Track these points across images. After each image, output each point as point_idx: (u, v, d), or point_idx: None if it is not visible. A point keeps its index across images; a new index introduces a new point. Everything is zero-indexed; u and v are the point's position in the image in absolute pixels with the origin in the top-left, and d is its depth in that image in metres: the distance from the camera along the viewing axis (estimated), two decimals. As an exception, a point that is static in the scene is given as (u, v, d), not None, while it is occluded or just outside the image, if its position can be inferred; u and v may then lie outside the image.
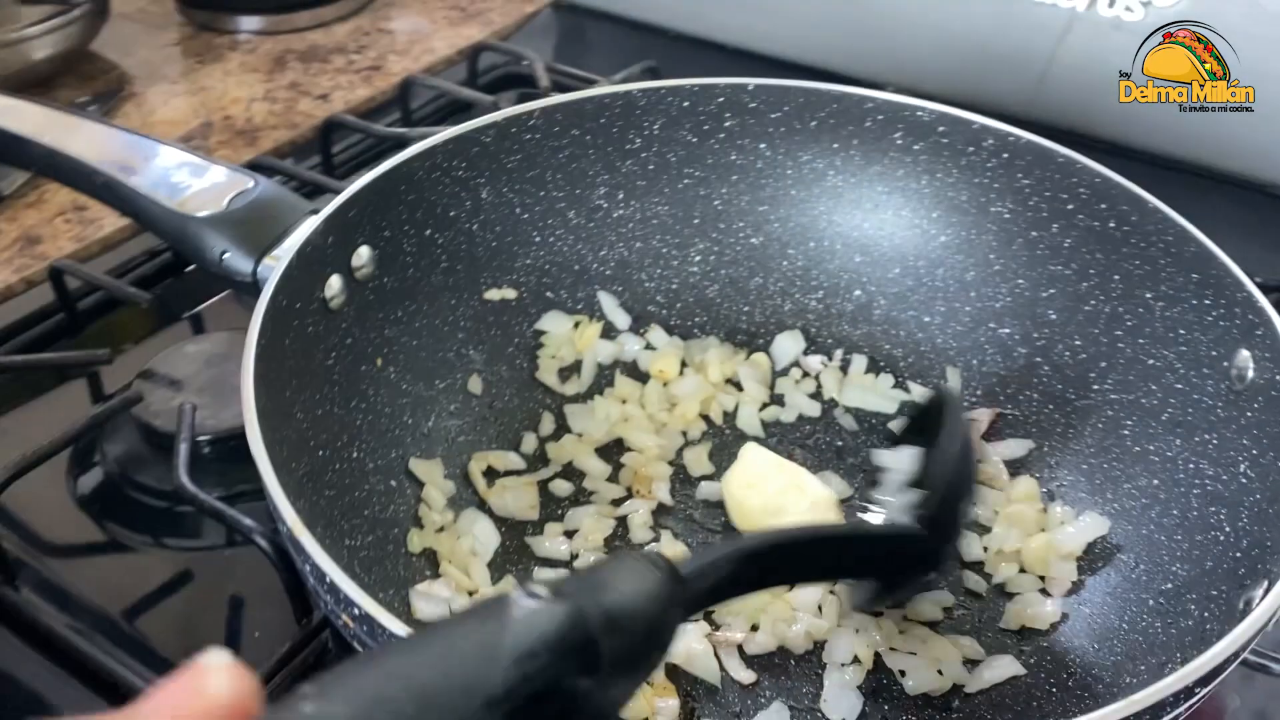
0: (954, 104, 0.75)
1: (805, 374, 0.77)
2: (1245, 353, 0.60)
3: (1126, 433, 0.67)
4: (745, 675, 0.60)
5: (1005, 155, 0.73)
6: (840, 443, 0.74)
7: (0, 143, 0.67)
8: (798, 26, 1.15)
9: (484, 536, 0.66)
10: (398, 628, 0.44)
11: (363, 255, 0.68)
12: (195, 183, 0.66)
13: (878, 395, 0.75)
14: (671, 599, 0.37)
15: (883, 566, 0.56)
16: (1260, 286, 0.61)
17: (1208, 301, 0.64)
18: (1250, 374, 0.60)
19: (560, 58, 1.16)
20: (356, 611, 0.45)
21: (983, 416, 0.73)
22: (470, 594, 0.62)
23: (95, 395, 0.81)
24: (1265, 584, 0.49)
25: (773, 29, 1.16)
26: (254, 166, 0.95)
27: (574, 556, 0.65)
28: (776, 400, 0.76)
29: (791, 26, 1.15)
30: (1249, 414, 0.59)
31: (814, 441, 0.74)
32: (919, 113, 0.75)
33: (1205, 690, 0.45)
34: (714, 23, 1.20)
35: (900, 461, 0.60)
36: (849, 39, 1.12)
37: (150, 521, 0.72)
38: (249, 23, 1.24)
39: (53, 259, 0.86)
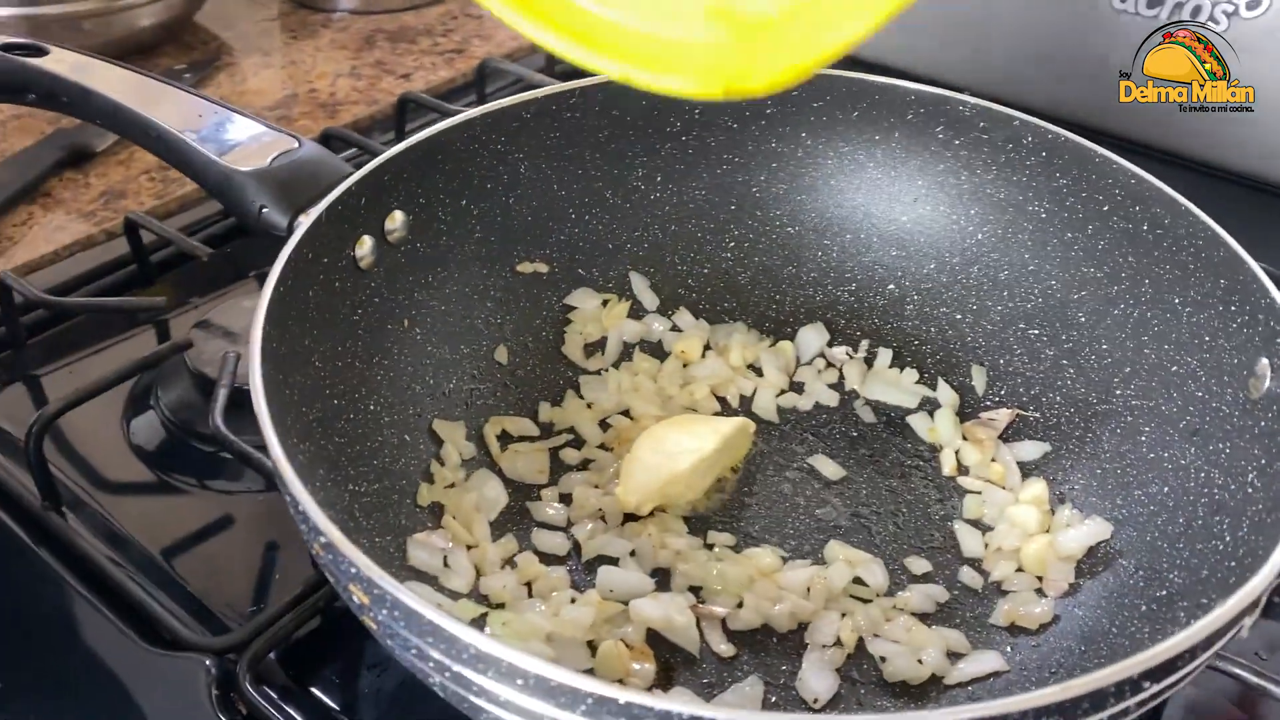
0: (1033, 113, 0.74)
1: (829, 364, 0.77)
2: (1265, 361, 0.59)
3: (1144, 439, 0.66)
4: (725, 648, 0.60)
5: (1044, 153, 0.72)
6: (855, 433, 0.73)
7: (72, 96, 0.71)
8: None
9: (492, 496, 0.68)
10: (359, 558, 0.46)
11: (396, 219, 0.70)
12: (243, 140, 0.69)
13: (900, 390, 0.75)
14: None
15: None
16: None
17: (1234, 308, 0.62)
18: (1267, 383, 0.58)
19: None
20: (323, 540, 0.48)
21: (1002, 416, 0.72)
22: (469, 548, 0.64)
23: (161, 342, 0.86)
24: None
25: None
26: (329, 137, 1.00)
27: (570, 523, 0.67)
28: (795, 388, 0.76)
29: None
30: (1263, 423, 0.58)
31: (828, 430, 0.74)
32: (960, 107, 0.75)
33: (1158, 687, 0.44)
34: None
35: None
36: (930, 41, 1.11)
37: (196, 465, 0.75)
38: (345, 2, 1.29)
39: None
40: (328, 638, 0.62)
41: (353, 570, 0.46)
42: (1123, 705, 0.43)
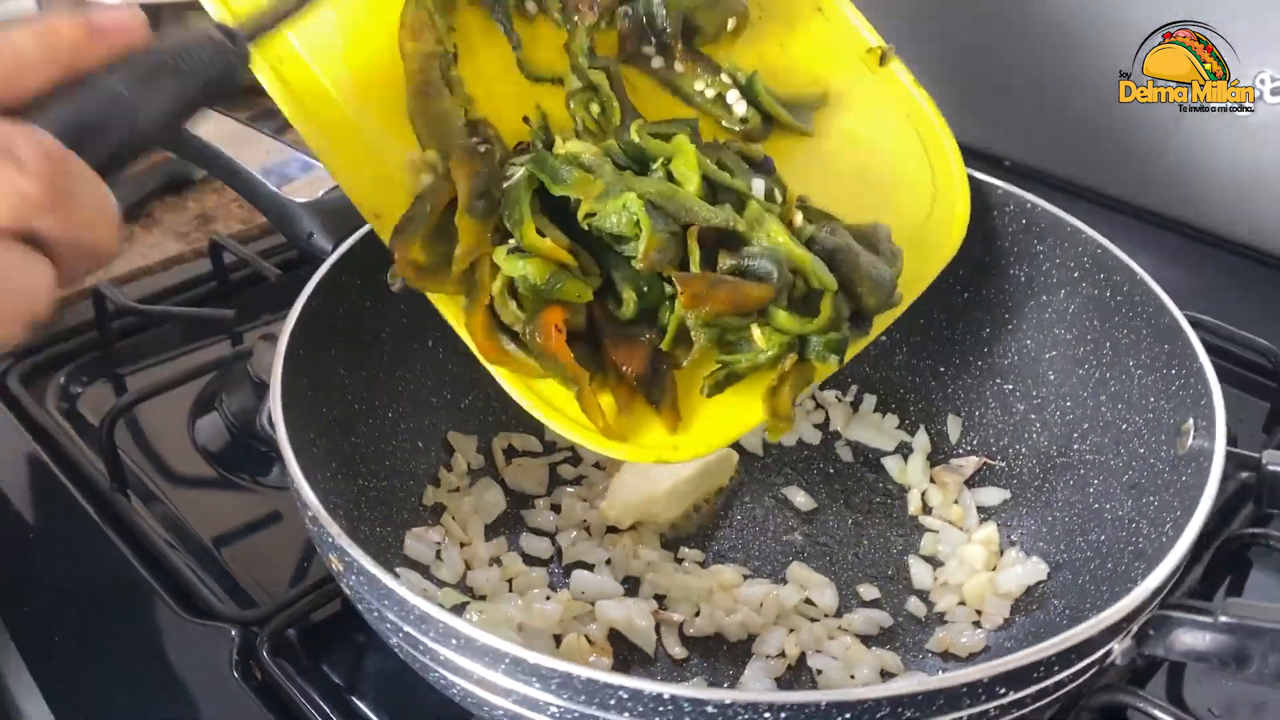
0: (1067, 183, 0.78)
1: (817, 405, 0.83)
2: (1190, 420, 0.63)
3: (1092, 491, 0.70)
4: (678, 650, 0.66)
5: (1024, 221, 0.78)
6: (832, 470, 0.79)
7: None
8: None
9: (491, 501, 0.75)
10: (332, 527, 0.54)
11: (430, 251, 0.78)
12: (300, 175, 0.79)
13: (881, 433, 0.80)
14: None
15: None
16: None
17: (1173, 371, 0.66)
18: (1190, 440, 0.62)
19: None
20: (309, 513, 0.56)
21: (969, 464, 0.77)
22: (463, 545, 0.72)
23: (232, 352, 0.95)
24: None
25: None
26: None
27: (557, 531, 0.74)
28: (782, 425, 0.82)
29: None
30: (1184, 478, 0.62)
31: (807, 465, 0.79)
32: (951, 176, 0.80)
33: (1015, 695, 0.49)
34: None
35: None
36: (968, 109, 1.16)
37: (253, 463, 0.84)
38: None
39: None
40: (345, 623, 0.69)
41: (328, 539, 0.54)
42: (980, 708, 0.48)
